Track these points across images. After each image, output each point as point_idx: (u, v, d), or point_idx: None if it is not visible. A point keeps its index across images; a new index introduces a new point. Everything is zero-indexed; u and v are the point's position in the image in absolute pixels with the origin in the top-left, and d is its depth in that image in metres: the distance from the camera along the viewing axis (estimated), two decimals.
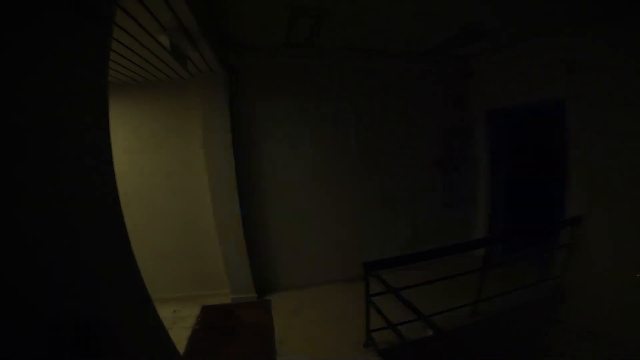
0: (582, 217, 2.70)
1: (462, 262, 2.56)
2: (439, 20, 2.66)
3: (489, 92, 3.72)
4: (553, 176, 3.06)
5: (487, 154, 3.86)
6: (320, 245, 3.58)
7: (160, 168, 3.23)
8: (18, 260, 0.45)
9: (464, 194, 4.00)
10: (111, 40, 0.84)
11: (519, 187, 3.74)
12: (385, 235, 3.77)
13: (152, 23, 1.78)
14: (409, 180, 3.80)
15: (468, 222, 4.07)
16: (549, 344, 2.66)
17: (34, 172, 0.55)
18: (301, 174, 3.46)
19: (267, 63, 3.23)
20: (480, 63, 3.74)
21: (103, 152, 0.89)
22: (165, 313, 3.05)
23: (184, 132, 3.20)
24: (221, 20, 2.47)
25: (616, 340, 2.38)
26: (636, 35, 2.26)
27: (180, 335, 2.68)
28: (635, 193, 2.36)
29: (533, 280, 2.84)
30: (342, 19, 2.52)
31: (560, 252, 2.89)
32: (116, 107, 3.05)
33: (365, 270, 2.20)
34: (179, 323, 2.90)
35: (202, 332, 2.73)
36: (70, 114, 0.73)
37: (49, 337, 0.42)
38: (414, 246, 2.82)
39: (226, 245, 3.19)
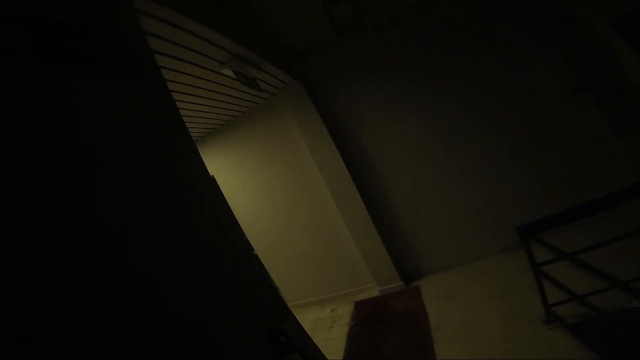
0: None
1: None
2: None
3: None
4: None
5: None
6: (460, 218, 3.11)
7: (289, 185, 3.48)
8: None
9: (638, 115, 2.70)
10: (167, 89, 0.93)
11: None
12: (541, 188, 2.94)
13: (209, 61, 1.89)
14: (552, 118, 2.84)
15: None
16: None
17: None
18: (412, 147, 3.11)
19: (330, 58, 3.10)
20: None
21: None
22: (325, 313, 3.35)
23: (291, 145, 3.37)
24: (271, 36, 2.50)
25: None
26: None
27: (339, 333, 2.85)
28: None
29: None
30: None
31: None
32: (232, 147, 3.55)
33: (521, 236, 1.76)
34: (337, 321, 3.09)
35: (358, 327, 2.81)
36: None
37: (269, 338, 0.77)
38: (580, 196, 2.06)
39: (360, 240, 3.20)
